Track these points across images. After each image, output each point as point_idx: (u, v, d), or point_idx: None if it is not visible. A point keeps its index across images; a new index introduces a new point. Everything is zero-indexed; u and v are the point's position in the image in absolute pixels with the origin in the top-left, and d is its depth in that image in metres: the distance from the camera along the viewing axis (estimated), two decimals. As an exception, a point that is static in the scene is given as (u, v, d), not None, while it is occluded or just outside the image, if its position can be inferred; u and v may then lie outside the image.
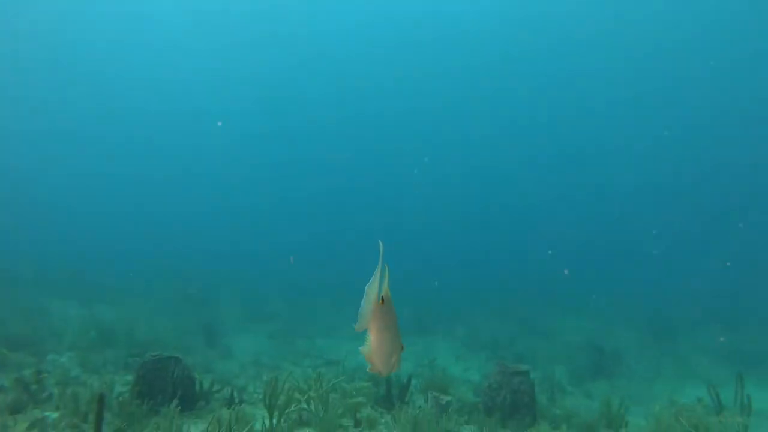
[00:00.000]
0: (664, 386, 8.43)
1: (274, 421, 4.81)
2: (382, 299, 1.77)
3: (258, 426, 4.96)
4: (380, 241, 1.76)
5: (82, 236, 26.63)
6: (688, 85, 33.85)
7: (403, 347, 1.84)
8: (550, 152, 42.26)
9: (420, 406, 4.87)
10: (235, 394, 6.07)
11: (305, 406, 5.26)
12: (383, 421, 5.28)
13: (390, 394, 5.60)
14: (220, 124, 40.46)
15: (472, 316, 13.84)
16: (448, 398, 5.62)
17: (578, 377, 9.12)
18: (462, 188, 45.44)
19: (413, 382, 6.14)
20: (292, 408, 5.03)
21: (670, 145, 37.84)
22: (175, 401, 4.78)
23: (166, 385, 5.32)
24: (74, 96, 41.50)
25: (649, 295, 19.00)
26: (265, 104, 45.56)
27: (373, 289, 1.78)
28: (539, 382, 7.53)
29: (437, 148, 44.17)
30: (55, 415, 4.99)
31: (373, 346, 1.79)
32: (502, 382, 5.58)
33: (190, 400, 5.51)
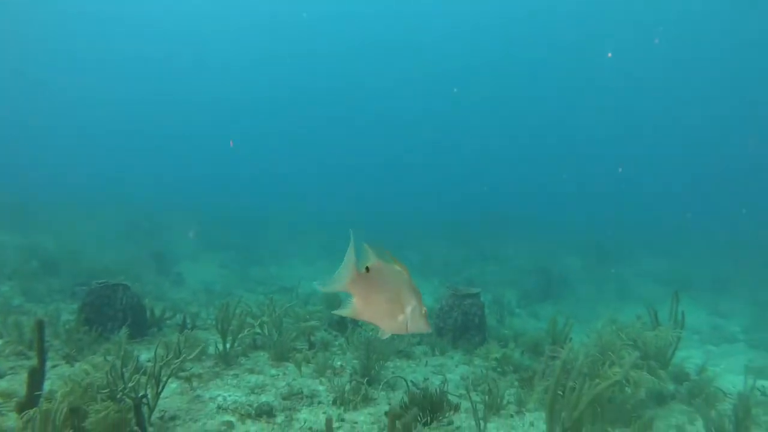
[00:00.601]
0: (606, 307, 8.91)
1: (227, 346, 4.79)
2: (367, 269, 2.00)
3: (211, 350, 4.95)
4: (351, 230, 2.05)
5: (20, 166, 25.16)
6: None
7: (426, 310, 2.06)
8: (510, 91, 42.16)
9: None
10: (188, 320, 6.00)
11: (258, 330, 5.26)
12: (337, 343, 5.37)
13: (344, 317, 5.66)
14: None
15: (426, 244, 14.09)
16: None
17: (527, 300, 9.52)
18: (421, 123, 45.13)
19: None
20: (246, 332, 5.02)
21: (614, 90, 38.36)
22: (125, 328, 4.68)
23: (114, 312, 5.19)
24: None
25: (594, 225, 19.82)
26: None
27: (350, 258, 2.00)
28: (489, 305, 7.80)
29: (404, 87, 43.29)
30: (-1, 342, 4.82)
31: (358, 309, 2.03)
32: (454, 304, 5.72)
33: (141, 327, 5.42)
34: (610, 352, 4.46)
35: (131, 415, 3.10)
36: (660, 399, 4.44)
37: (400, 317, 2.04)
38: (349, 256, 2.02)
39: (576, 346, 4.77)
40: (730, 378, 5.40)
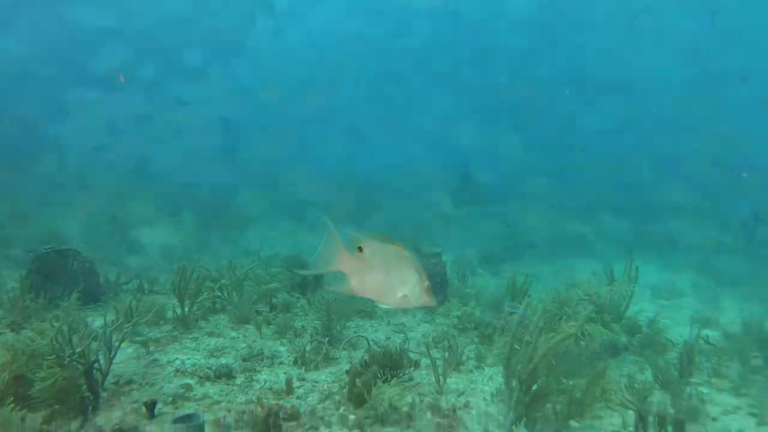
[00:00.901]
0: (566, 265, 9.15)
1: (186, 310, 4.69)
2: (360, 248, 2.11)
3: (169, 315, 4.85)
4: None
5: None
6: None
7: (428, 285, 2.15)
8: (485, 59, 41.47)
9: (334, 289, 4.94)
10: (145, 285, 5.86)
11: (219, 293, 5.18)
12: (299, 305, 5.33)
13: (305, 279, 5.63)
14: None
15: (391, 206, 14.08)
16: (364, 281, 5.72)
17: (489, 260, 9.67)
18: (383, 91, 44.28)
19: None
20: (205, 296, 4.93)
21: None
22: (75, 293, 4.52)
23: (65, 278, 5.00)
24: None
25: (555, 187, 20.14)
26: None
27: (334, 241, 2.12)
28: (452, 265, 7.88)
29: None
30: (-63, 313, 4.58)
31: (354, 288, 2.15)
32: (416, 264, 5.73)
33: (95, 293, 5.25)
34: (566, 308, 4.59)
35: (82, 381, 3.00)
36: (613, 350, 4.61)
37: (401, 293, 2.13)
38: (332, 239, 2.12)
39: (534, 302, 4.88)
40: (678, 329, 5.64)
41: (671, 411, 3.30)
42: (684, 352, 3.92)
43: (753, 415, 3.62)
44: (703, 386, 4.02)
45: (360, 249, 2.12)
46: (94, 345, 3.19)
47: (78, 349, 2.91)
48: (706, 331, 5.01)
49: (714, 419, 3.54)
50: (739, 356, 4.47)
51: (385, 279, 2.12)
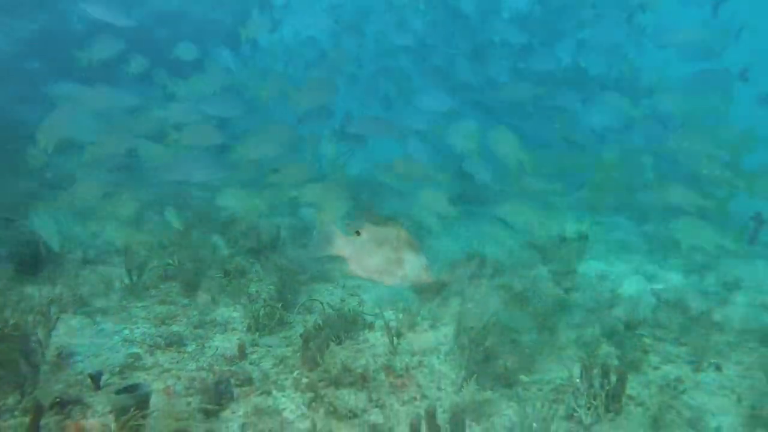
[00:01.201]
0: (523, 227, 9.25)
1: (134, 278, 4.53)
2: (358, 232, 2.22)
3: (117, 285, 4.67)
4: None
5: None
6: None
7: (426, 263, 2.28)
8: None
9: (287, 255, 4.88)
10: (93, 256, 5.61)
11: (170, 261, 5.02)
12: (254, 270, 5.23)
13: (261, 244, 5.50)
14: None
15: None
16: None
17: (449, 223, 9.70)
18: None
19: (283, 233, 6.05)
20: (155, 263, 4.77)
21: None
22: (9, 264, 4.29)
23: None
24: None
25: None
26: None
27: (329, 229, 2.22)
28: (410, 229, 7.86)
29: None
30: None
31: (354, 270, 2.24)
32: (372, 227, 5.68)
33: (34, 264, 4.98)
34: (520, 267, 4.68)
35: (17, 354, 2.86)
36: (564, 306, 4.73)
37: (399, 272, 2.24)
38: (327, 226, 2.23)
39: (490, 262, 4.96)
40: (628, 283, 5.82)
41: (616, 362, 3.43)
42: (630, 303, 4.06)
43: (690, 362, 3.81)
44: (647, 337, 4.19)
45: (357, 233, 2.21)
46: (31, 317, 3.05)
47: (11, 322, 2.76)
48: (653, 285, 5.22)
49: (655, 368, 3.70)
50: (681, 308, 4.66)
51: (383, 260, 2.20)
